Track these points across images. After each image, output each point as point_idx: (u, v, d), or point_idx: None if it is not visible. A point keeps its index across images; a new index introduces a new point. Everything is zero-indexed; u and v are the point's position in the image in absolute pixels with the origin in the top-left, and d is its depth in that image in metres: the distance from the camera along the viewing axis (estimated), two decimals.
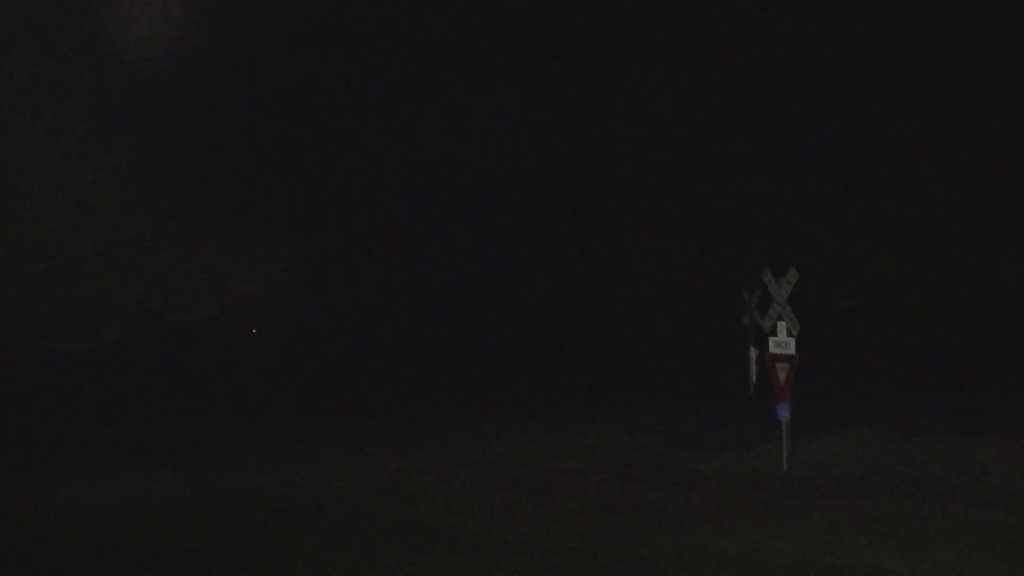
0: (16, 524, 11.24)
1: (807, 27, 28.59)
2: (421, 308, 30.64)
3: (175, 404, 22.96)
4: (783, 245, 26.64)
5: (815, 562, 8.78)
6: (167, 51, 15.20)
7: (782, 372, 13.59)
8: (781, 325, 13.72)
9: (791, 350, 13.55)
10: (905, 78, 28.51)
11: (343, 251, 25.91)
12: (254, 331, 17.74)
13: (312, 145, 26.95)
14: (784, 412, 13.47)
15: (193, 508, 11.87)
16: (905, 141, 28.72)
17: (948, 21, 27.62)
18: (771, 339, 13.88)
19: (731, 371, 23.58)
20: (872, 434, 15.57)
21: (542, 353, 30.15)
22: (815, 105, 29.25)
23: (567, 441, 16.85)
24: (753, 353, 21.94)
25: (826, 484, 12.47)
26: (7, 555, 9.75)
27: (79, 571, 9.18)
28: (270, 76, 21.21)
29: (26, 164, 13.68)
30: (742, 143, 29.59)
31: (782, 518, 10.62)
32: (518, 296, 31.18)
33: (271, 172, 22.70)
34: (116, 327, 14.89)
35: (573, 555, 9.21)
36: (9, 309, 14.15)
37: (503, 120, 30.29)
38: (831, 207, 29.39)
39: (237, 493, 12.77)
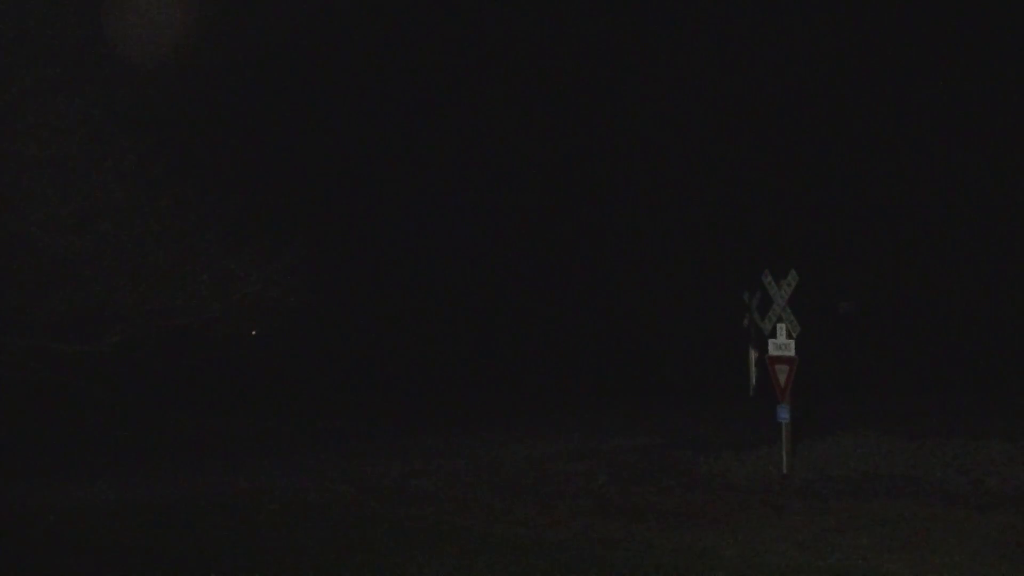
0: (16, 525, 11.26)
1: (807, 28, 28.63)
2: (423, 310, 30.66)
3: (177, 405, 22.98)
4: (783, 247, 26.66)
5: (816, 564, 8.80)
6: (171, 52, 15.23)
7: (782, 374, 13.62)
8: (781, 327, 13.76)
9: (791, 352, 13.58)
10: (905, 79, 28.54)
11: (345, 252, 25.96)
12: (253, 332, 17.75)
13: (314, 147, 26.99)
14: (784, 414, 13.50)
15: (195, 509, 11.89)
16: (906, 142, 28.74)
17: (948, 21, 27.65)
18: (771, 341, 13.91)
19: (731, 373, 23.61)
20: (873, 436, 15.59)
21: (544, 355, 30.17)
22: (815, 106, 29.27)
23: (568, 443, 16.87)
24: (753, 355, 21.97)
25: (827, 486, 12.49)
26: (7, 555, 9.77)
27: (79, 572, 9.20)
28: (273, 78, 21.26)
29: (30, 165, 13.70)
30: (742, 145, 29.61)
31: (783, 520, 10.64)
32: (520, 298, 31.20)
33: (274, 174, 22.75)
34: (118, 328, 14.89)
35: (574, 556, 9.23)
36: (12, 310, 14.17)
37: (506, 122, 30.33)
38: (832, 209, 29.41)
39: (240, 495, 12.79)
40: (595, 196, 31.47)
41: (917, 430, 16.19)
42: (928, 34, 27.87)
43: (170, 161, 14.70)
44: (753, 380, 22.02)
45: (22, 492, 13.41)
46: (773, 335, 13.87)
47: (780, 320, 13.80)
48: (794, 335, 13.58)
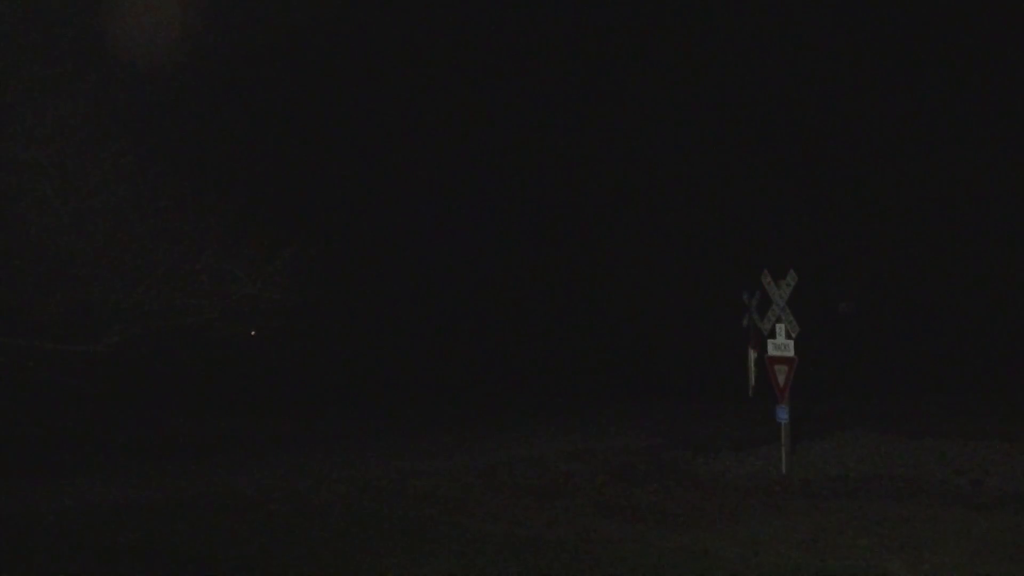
0: (16, 525, 11.25)
1: (806, 29, 28.64)
2: (422, 310, 30.67)
3: (176, 406, 22.96)
4: (783, 247, 26.67)
5: (815, 564, 8.81)
6: (170, 53, 15.24)
7: (781, 374, 13.63)
8: (780, 327, 13.76)
9: (790, 352, 13.60)
10: (904, 79, 28.55)
11: (344, 253, 25.95)
12: (252, 333, 17.75)
13: (313, 147, 26.99)
14: (783, 414, 13.51)
15: (194, 510, 11.88)
16: (905, 142, 28.75)
17: (947, 21, 27.66)
18: (770, 341, 13.91)
19: (730, 373, 23.59)
20: (872, 436, 15.59)
21: (543, 355, 30.17)
22: (814, 107, 29.28)
23: (568, 443, 16.87)
24: (752, 355, 21.94)
25: (826, 486, 12.50)
26: (7, 555, 9.77)
27: (79, 572, 9.20)
28: (272, 79, 21.26)
29: (28, 165, 13.70)
30: (742, 145, 29.62)
31: (782, 520, 10.64)
32: (519, 298, 31.21)
33: (272, 174, 22.75)
34: (118, 328, 14.90)
35: (573, 556, 9.23)
36: (10, 310, 14.17)
37: (505, 123, 30.35)
38: (831, 209, 29.42)
39: (238, 495, 12.79)
40: (595, 196, 31.49)
41: (916, 430, 16.19)
42: (927, 34, 27.89)
43: (169, 162, 14.72)
44: (752, 380, 22.00)
45: (22, 492, 13.40)
46: (772, 335, 13.88)
47: (779, 320, 13.81)
48: (793, 335, 13.59)
